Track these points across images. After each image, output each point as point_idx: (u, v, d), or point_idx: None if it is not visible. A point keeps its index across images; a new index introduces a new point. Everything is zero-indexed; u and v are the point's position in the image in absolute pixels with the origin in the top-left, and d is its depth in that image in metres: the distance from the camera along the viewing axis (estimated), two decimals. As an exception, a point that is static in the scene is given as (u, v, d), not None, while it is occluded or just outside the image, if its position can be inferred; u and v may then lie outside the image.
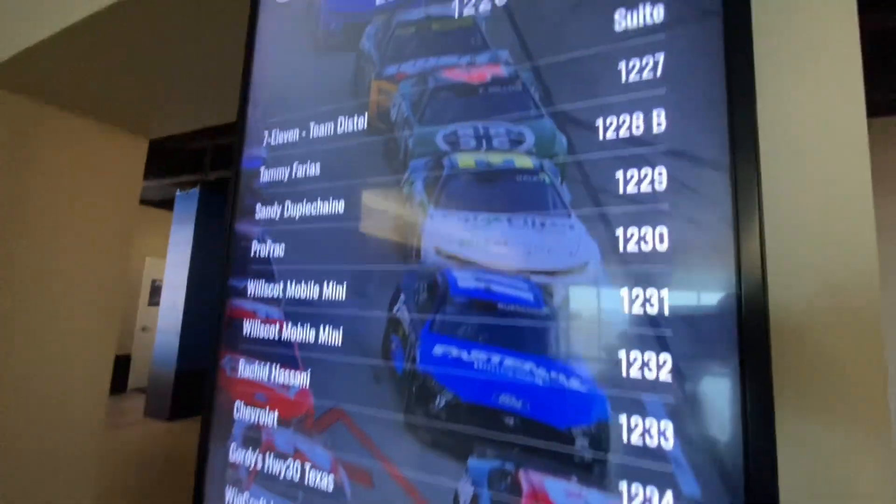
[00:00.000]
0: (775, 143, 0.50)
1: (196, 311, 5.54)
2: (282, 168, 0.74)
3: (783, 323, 0.47)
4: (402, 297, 0.60)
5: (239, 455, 0.70)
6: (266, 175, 0.76)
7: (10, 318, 1.76)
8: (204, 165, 4.45)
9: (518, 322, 0.52)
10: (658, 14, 0.50)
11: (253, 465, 0.68)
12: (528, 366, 0.50)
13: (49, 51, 1.52)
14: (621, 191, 0.49)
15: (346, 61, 0.71)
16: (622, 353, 0.46)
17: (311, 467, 0.63)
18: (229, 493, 0.70)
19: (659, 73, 0.49)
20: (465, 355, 0.54)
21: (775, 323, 0.46)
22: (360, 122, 0.68)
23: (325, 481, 0.62)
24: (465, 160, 0.59)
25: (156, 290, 6.25)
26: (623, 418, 0.45)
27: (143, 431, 4.95)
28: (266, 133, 0.78)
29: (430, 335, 0.57)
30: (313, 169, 0.71)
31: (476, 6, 0.62)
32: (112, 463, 3.56)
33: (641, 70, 0.50)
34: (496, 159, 0.57)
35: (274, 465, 0.66)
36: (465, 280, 0.56)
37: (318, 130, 0.72)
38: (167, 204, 5.80)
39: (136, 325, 6.56)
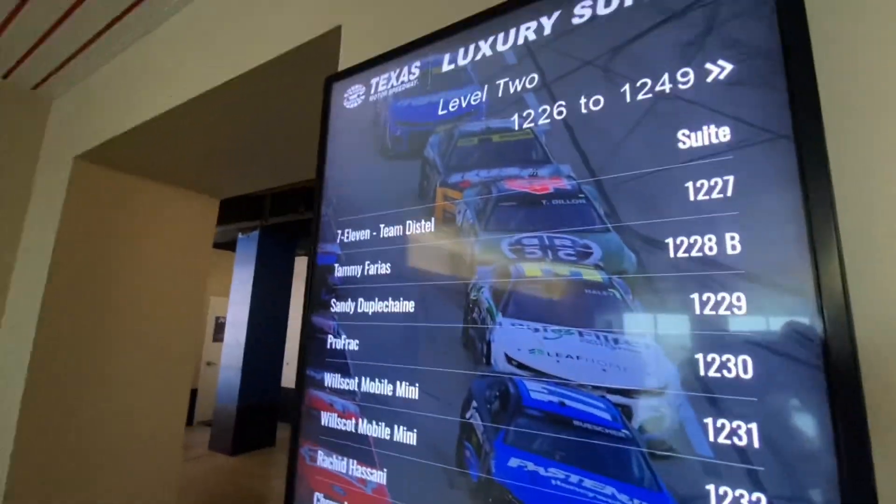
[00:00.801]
0: (858, 256, 0.48)
1: (256, 347, 5.82)
2: (354, 266, 0.80)
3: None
4: (474, 403, 0.61)
5: None
6: (340, 271, 0.82)
7: (106, 357, 1.96)
8: (264, 211, 4.76)
9: (597, 441, 0.52)
10: (724, 135, 0.51)
11: (333, 558, 0.71)
12: (610, 490, 0.50)
13: (140, 134, 1.72)
14: (698, 312, 0.49)
15: (413, 167, 0.76)
16: (710, 488, 0.45)
17: (390, 568, 0.65)
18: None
19: (729, 193, 0.50)
20: (541, 471, 0.55)
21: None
22: (428, 226, 0.72)
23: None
24: (532, 269, 0.61)
25: (219, 327, 6.62)
26: (716, 559, 0.44)
27: (207, 465, 5.16)
28: (339, 231, 0.84)
29: (504, 446, 0.58)
30: (384, 268, 0.76)
31: (535, 120, 0.65)
32: (181, 495, 3.73)
33: (710, 190, 0.51)
34: (563, 270, 0.58)
35: (353, 561, 0.69)
36: (538, 392, 0.57)
37: (388, 231, 0.77)
38: (230, 245, 6.20)
39: (202, 360, 6.95)
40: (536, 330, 0.59)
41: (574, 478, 0.52)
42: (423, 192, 0.74)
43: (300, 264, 6.90)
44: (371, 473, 0.70)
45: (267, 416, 5.96)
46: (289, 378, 6.58)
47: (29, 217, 2.13)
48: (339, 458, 0.74)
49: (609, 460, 0.51)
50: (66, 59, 1.92)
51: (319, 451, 0.77)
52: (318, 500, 0.75)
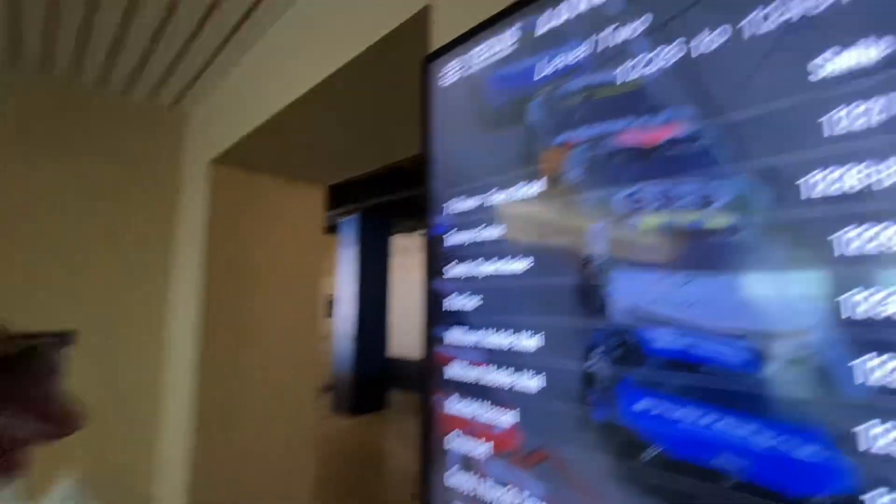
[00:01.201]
0: None
1: (364, 321, 6.36)
2: (467, 232, 0.86)
3: None
4: (597, 351, 0.65)
5: (454, 481, 0.83)
6: (453, 239, 0.89)
7: (252, 334, 2.31)
8: (362, 195, 5.11)
9: (731, 385, 0.53)
10: (867, 56, 0.47)
11: (468, 491, 0.81)
12: (749, 428, 0.51)
13: (260, 134, 1.95)
14: (837, 253, 0.47)
15: (516, 133, 0.79)
16: (861, 427, 0.44)
17: (527, 497, 0.72)
18: (450, 513, 0.84)
19: (874, 120, 0.46)
20: (669, 413, 0.57)
21: None
22: (536, 189, 0.75)
23: (538, 513, 0.70)
24: (648, 221, 0.61)
25: (329, 304, 7.28)
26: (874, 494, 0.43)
27: (331, 425, 5.82)
28: (449, 202, 0.90)
29: (630, 391, 0.61)
30: (496, 232, 0.81)
31: (645, 67, 0.64)
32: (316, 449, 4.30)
33: (852, 119, 0.47)
34: (684, 219, 0.58)
35: (488, 492, 0.77)
36: (664, 339, 0.58)
37: (497, 197, 0.81)
38: (332, 230, 6.73)
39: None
40: (660, 279, 0.60)
41: (707, 417, 0.54)
42: (529, 156, 0.77)
43: (398, 242, 7.31)
44: (501, 415, 0.77)
45: (377, 382, 6.52)
46: (394, 347, 7.11)
47: (181, 220, 2.53)
48: (469, 403, 0.82)
49: (748, 400, 0.51)
50: (196, 75, 2.22)
51: (449, 399, 0.86)
52: (450, 442, 0.85)
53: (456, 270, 0.88)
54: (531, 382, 0.73)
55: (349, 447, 4.98)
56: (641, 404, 0.59)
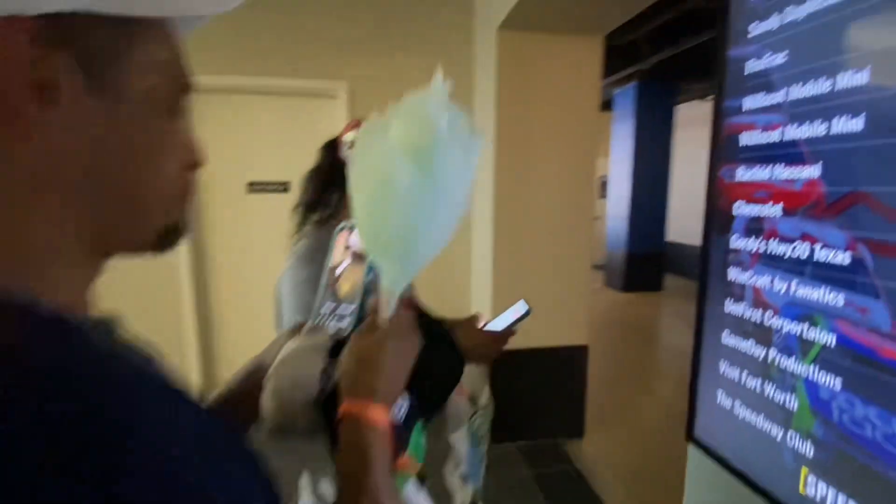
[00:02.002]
0: None
1: (640, 200, 6.08)
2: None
3: None
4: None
5: (741, 243, 0.86)
6: (759, -9, 0.80)
7: (529, 209, 2.55)
8: (640, 54, 4.58)
9: None
10: None
11: (755, 249, 0.82)
12: None
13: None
14: None
15: None
16: None
17: (822, 247, 0.70)
18: (732, 272, 0.88)
19: None
20: None
21: None
22: None
23: (839, 257, 0.67)
24: None
25: (602, 185, 7.20)
26: None
27: (603, 297, 6.13)
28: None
29: None
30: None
31: None
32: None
33: None
34: None
35: (778, 248, 0.78)
36: None
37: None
38: (606, 106, 6.37)
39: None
40: None
41: None
42: None
43: (682, 113, 6.37)
44: (800, 171, 0.73)
45: (653, 263, 6.32)
46: (674, 231, 6.60)
47: (477, 91, 2.92)
48: (762, 167, 0.81)
49: None
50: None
51: (739, 168, 0.86)
52: (739, 207, 0.86)
53: (761, 26, 0.80)
54: (847, 126, 0.65)
55: (622, 318, 5.21)
56: None
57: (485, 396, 1.02)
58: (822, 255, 0.70)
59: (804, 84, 0.72)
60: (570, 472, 2.39)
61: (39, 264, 0.25)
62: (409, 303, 0.51)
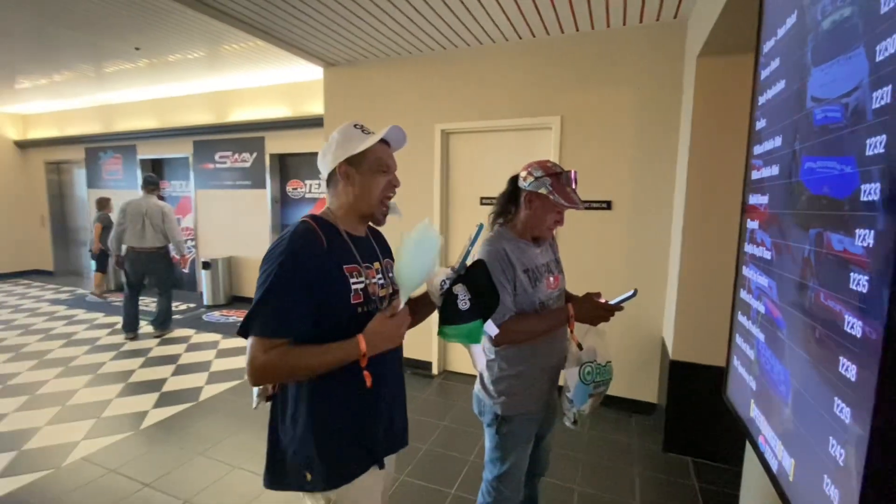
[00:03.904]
0: None
1: None
2: None
3: None
4: None
5: (747, 248, 1.20)
6: None
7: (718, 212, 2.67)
8: None
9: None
10: None
11: (749, 252, 1.17)
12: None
13: (730, 11, 2.22)
14: None
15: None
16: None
17: (763, 248, 1.05)
18: (744, 270, 1.22)
19: None
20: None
21: None
22: None
23: (767, 254, 1.03)
24: None
25: None
26: None
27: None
28: None
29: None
30: None
31: None
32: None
33: None
34: None
35: (753, 250, 1.12)
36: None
37: None
38: None
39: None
40: None
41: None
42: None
43: None
44: (762, 198, 1.09)
45: None
46: None
47: (682, 112, 3.13)
48: (756, 195, 1.16)
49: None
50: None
51: (751, 195, 1.21)
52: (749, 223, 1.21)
53: (762, 99, 1.15)
54: (774, 169, 1.01)
55: None
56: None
57: (601, 358, 1.57)
58: (762, 252, 1.06)
59: (763, 142, 1.08)
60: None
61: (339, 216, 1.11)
62: (405, 310, 1.01)
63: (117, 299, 6.45)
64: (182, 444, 2.81)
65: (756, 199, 1.15)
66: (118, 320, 5.34)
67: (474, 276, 1.12)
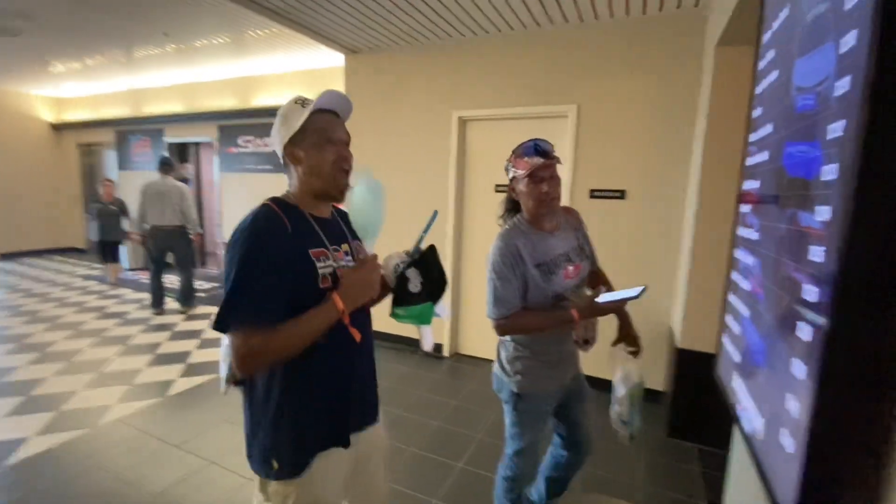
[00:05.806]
0: None
1: None
2: None
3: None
4: None
5: (740, 231, 1.26)
6: None
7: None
8: None
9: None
10: None
11: (740, 234, 1.23)
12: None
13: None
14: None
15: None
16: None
17: (752, 229, 1.12)
18: (736, 252, 1.28)
19: None
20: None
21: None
22: None
23: (753, 235, 1.09)
24: None
25: None
26: None
27: None
28: None
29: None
30: None
31: None
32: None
33: None
34: None
35: (743, 232, 1.19)
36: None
37: None
38: None
39: None
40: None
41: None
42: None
43: None
44: (754, 184, 1.15)
45: None
46: None
47: (700, 100, 3.11)
48: (749, 181, 1.21)
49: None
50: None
51: (745, 181, 1.26)
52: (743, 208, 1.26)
53: (758, 88, 1.20)
54: (764, 155, 1.07)
55: None
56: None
57: (637, 376, 1.64)
58: (750, 234, 1.12)
59: (758, 129, 1.14)
60: None
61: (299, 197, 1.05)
62: (374, 256, 1.04)
63: (144, 277, 6.74)
64: (207, 411, 3.00)
65: (749, 185, 1.21)
66: (145, 296, 5.61)
67: (426, 261, 1.17)
